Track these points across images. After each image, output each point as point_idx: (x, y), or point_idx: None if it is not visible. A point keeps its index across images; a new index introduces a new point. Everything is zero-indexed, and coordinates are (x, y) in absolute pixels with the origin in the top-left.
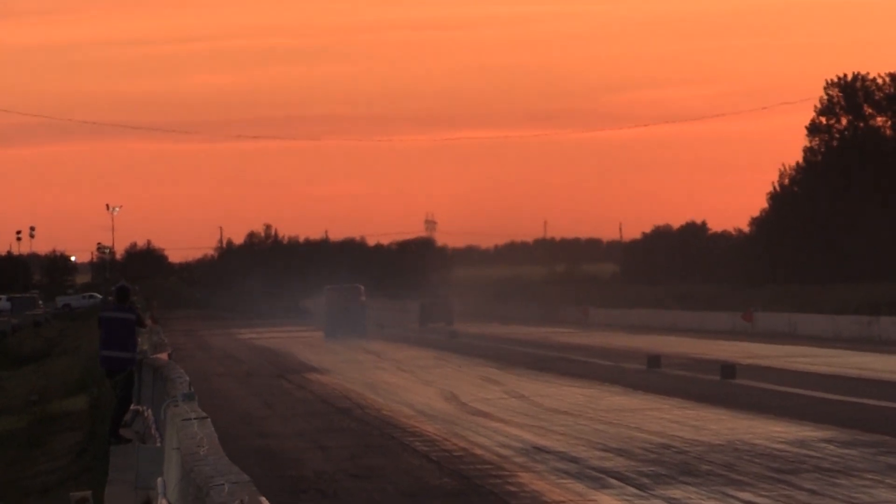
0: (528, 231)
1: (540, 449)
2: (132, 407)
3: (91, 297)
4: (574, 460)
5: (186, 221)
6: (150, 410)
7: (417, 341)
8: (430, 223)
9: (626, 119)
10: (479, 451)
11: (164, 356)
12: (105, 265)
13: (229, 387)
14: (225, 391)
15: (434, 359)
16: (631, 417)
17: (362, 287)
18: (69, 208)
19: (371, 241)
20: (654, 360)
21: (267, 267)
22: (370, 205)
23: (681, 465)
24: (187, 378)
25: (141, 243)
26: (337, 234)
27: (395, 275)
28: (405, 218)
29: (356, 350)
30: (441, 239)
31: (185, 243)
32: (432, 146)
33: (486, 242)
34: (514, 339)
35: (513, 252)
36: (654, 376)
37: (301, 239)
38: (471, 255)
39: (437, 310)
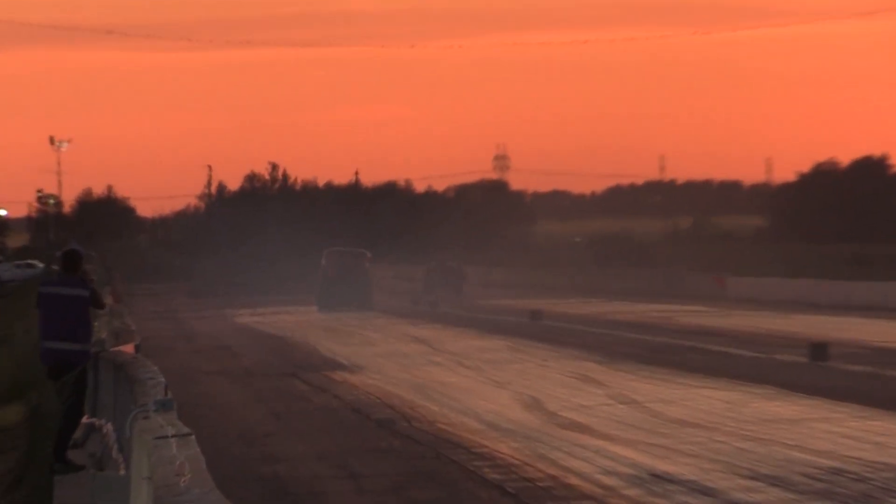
0: (637, 170)
1: (660, 477)
2: (85, 420)
3: (28, 265)
4: (709, 493)
5: (162, 160)
6: (109, 424)
7: (484, 326)
8: (501, 160)
9: (765, 15)
10: (573, 481)
11: (129, 348)
12: (48, 221)
13: (222, 391)
14: (216, 397)
15: (508, 350)
16: (788, 431)
17: (368, 252)
18: None
19: (420, 186)
20: (818, 350)
21: (274, 221)
22: (416, 136)
23: (860, 497)
24: (163, 379)
25: (98, 190)
26: (372, 177)
27: (453, 230)
28: (466, 154)
29: (400, 338)
30: (516, 181)
31: (159, 190)
32: (500, 55)
33: (580, 186)
34: (622, 321)
35: (617, 199)
36: (819, 373)
37: (320, 183)
38: (558, 203)
39: (446, 277)
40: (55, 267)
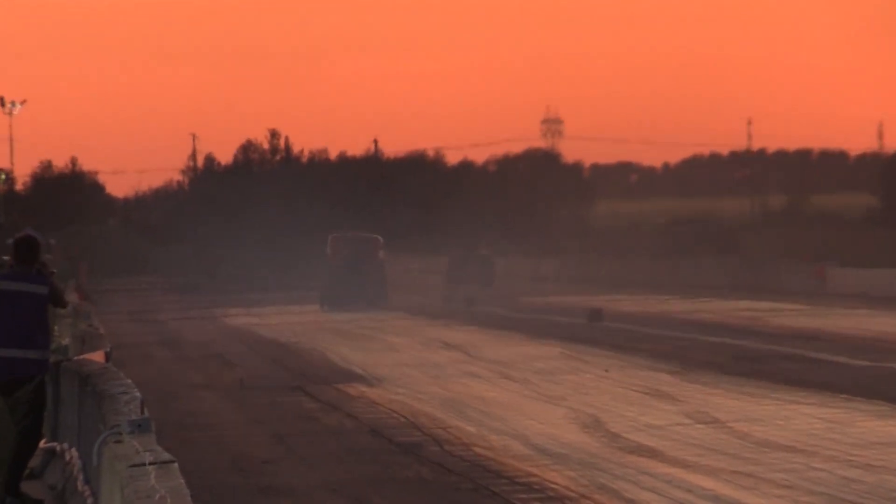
0: (720, 138)
1: None
2: (43, 444)
3: None
4: None
5: (137, 126)
6: (73, 450)
7: (532, 328)
8: (552, 124)
9: None
10: None
11: (98, 356)
12: None
13: (212, 408)
14: (204, 416)
15: (562, 357)
16: None
17: (380, 237)
18: None
19: (453, 158)
20: None
21: (274, 200)
22: (448, 96)
23: None
24: (138, 394)
25: (60, 163)
26: (394, 147)
27: (494, 212)
28: (509, 117)
29: (428, 343)
30: (571, 151)
31: (134, 163)
32: None
33: (649, 157)
34: (700, 321)
35: (695, 173)
36: None
37: (332, 154)
38: (622, 177)
39: (471, 267)
40: (6, 258)
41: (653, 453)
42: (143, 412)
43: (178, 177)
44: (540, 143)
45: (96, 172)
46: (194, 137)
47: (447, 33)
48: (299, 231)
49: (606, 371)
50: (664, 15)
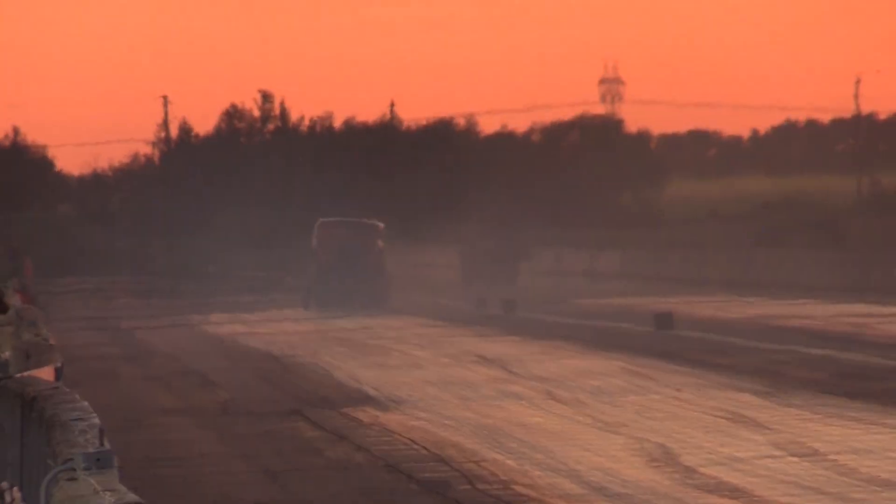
0: (819, 101)
1: None
2: None
3: None
4: None
5: (95, 88)
6: (15, 489)
7: (587, 338)
8: (611, 85)
9: None
10: None
11: (47, 374)
12: None
13: (189, 438)
14: (179, 448)
15: (623, 374)
16: None
17: (379, 224)
18: None
19: (487, 126)
20: None
21: (266, 178)
22: (483, 50)
23: None
24: (97, 421)
25: None
26: (414, 112)
27: (538, 193)
28: (559, 77)
29: (458, 357)
30: (634, 118)
31: (91, 133)
32: None
33: (731, 125)
34: (795, 329)
35: (788, 145)
36: None
37: (336, 121)
38: (699, 149)
39: (490, 260)
40: None
41: (736, 492)
42: (102, 443)
43: (145, 150)
44: (596, 109)
45: (44, 146)
46: (166, 101)
47: None
48: (295, 218)
49: (678, 391)
50: None
